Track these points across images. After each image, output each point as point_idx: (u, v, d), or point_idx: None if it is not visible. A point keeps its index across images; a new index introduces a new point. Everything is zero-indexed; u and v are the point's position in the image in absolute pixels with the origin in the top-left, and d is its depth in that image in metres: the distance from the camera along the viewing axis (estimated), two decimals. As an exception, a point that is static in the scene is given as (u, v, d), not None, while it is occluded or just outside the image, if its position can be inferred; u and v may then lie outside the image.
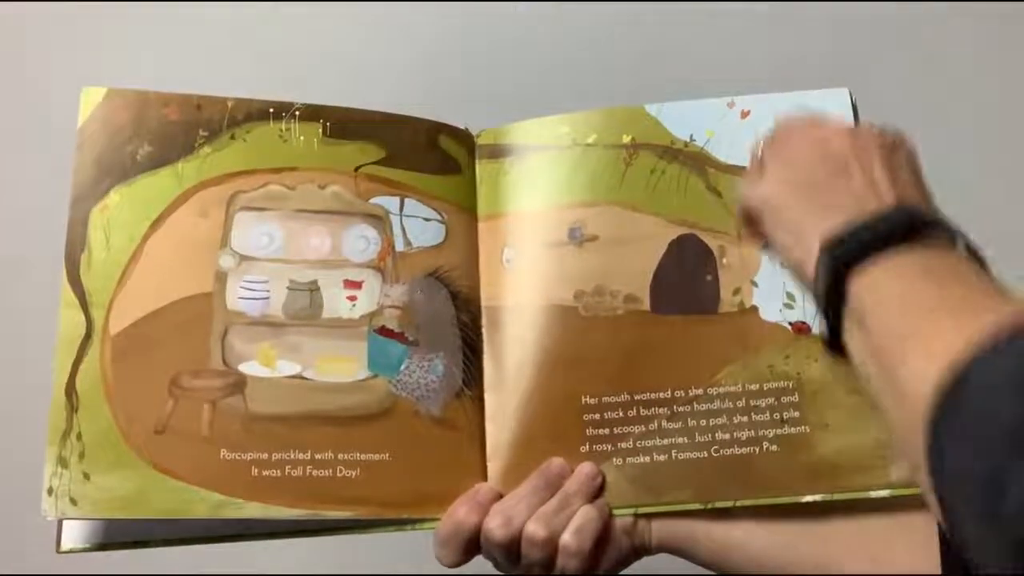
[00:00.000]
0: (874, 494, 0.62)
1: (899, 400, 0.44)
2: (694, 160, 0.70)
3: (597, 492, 0.65)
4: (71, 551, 0.65)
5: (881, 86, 1.02)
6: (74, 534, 0.65)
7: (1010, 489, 0.35)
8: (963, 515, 0.39)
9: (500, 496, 0.65)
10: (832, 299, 0.49)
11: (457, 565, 0.65)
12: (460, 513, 0.64)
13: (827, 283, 0.49)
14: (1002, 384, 0.38)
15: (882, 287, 0.47)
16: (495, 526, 0.63)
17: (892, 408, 0.45)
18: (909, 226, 0.49)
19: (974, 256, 0.49)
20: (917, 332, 0.44)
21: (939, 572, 0.61)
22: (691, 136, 0.70)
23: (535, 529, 0.63)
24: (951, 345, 0.40)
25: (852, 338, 0.49)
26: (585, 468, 0.66)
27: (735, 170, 0.69)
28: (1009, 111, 1.11)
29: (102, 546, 0.65)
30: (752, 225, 0.57)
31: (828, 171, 0.53)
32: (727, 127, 0.70)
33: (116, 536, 0.65)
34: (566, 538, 0.63)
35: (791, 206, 0.53)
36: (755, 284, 0.67)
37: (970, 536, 0.39)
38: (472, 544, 0.64)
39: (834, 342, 0.50)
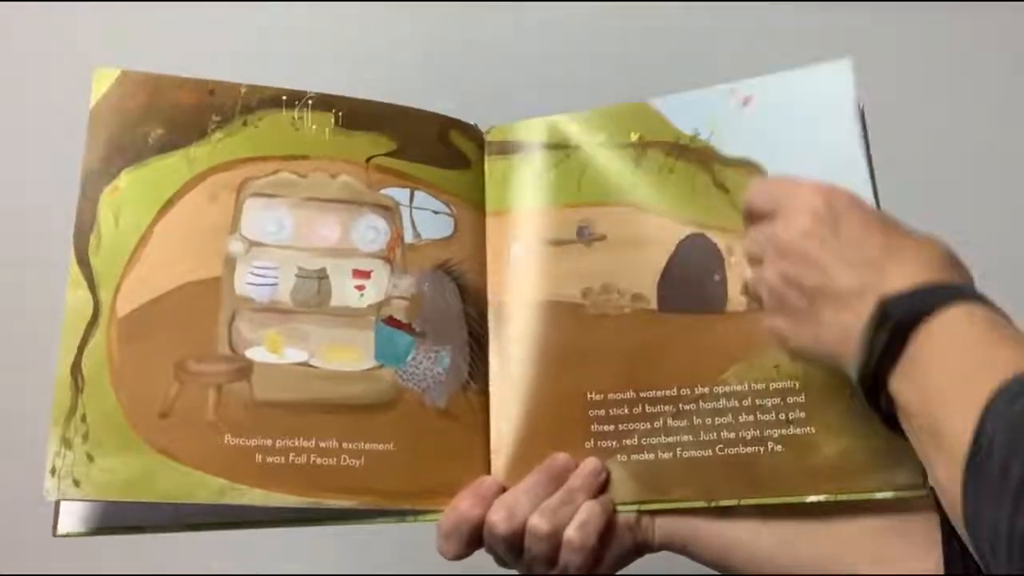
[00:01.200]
0: (879, 495, 0.62)
1: (939, 454, 0.48)
2: (700, 156, 0.70)
3: (601, 488, 0.65)
4: (68, 535, 0.64)
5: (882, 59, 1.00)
6: (72, 518, 0.64)
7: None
8: (991, 563, 0.43)
9: (504, 489, 0.65)
10: (885, 358, 0.51)
11: (459, 558, 0.65)
12: (463, 506, 0.64)
13: (886, 341, 0.51)
14: (1004, 437, 0.42)
15: (933, 345, 0.50)
16: (498, 519, 0.63)
17: (934, 461, 0.49)
18: (952, 295, 0.51)
19: (1000, 313, 0.51)
20: (959, 389, 0.47)
21: (941, 572, 0.62)
22: (696, 130, 0.70)
23: (538, 523, 0.63)
24: (984, 399, 0.45)
25: (901, 393, 0.51)
26: (589, 464, 0.65)
27: (741, 163, 0.69)
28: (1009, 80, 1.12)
29: (100, 531, 0.64)
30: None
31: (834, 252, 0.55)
32: (730, 117, 0.70)
33: (114, 521, 0.64)
34: (569, 532, 0.63)
35: (810, 290, 0.56)
36: None
37: None
38: (475, 537, 0.64)
39: (875, 398, 0.53)
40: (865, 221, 0.56)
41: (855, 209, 0.57)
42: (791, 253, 0.57)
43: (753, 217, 0.61)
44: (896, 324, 0.51)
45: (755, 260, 0.61)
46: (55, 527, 0.64)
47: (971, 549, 0.46)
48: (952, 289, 0.52)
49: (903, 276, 0.53)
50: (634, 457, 0.66)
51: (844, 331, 0.54)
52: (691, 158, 0.70)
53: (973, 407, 0.45)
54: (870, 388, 0.53)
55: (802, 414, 0.65)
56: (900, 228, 0.56)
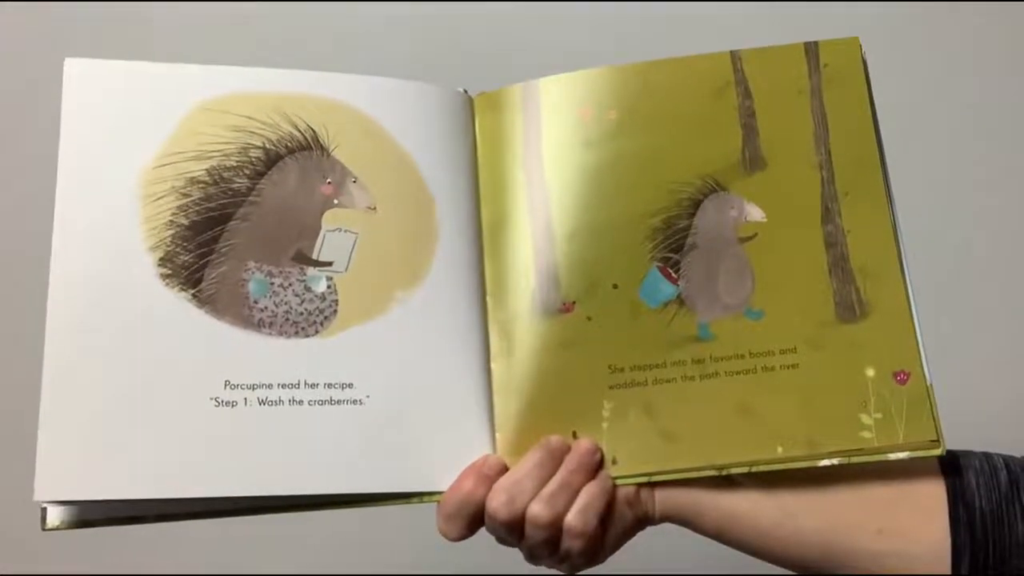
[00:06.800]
0: (892, 456, 0.62)
1: None
2: None
3: (597, 467, 0.64)
4: (57, 528, 0.61)
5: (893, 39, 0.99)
6: (60, 511, 0.61)
7: None
8: None
9: (506, 468, 0.64)
10: None
11: (460, 539, 0.63)
12: (466, 486, 0.62)
13: None
14: None
15: None
16: (499, 505, 0.61)
17: None
18: None
19: None
20: None
21: (947, 541, 0.62)
22: None
23: (538, 511, 0.61)
24: None
25: None
26: (583, 444, 0.64)
27: None
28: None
29: (89, 523, 0.62)
30: None
31: None
32: None
33: (103, 512, 0.62)
34: (570, 519, 0.61)
35: None
36: None
37: None
38: (477, 518, 0.63)
39: None
40: None
41: None
42: None
43: None
44: None
45: None
46: (43, 521, 0.61)
47: None
48: None
49: None
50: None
51: None
52: None
53: None
54: None
55: None
56: None
